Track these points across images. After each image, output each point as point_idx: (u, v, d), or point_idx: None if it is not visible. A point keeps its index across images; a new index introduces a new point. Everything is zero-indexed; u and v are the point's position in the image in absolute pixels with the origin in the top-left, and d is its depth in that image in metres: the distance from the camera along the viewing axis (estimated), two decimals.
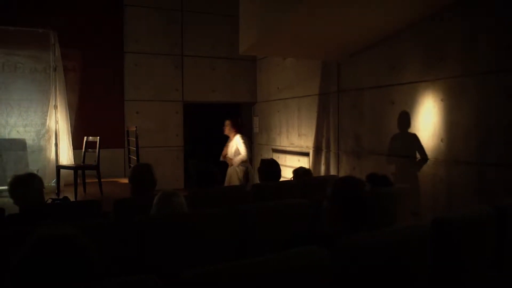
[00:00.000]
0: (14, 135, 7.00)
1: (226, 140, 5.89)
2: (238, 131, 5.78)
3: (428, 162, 4.69)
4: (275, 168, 4.29)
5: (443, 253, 1.93)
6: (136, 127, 7.00)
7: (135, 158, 6.83)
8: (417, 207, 4.67)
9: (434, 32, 4.61)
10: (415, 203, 4.66)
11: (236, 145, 5.64)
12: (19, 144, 6.93)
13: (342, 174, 6.15)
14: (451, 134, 4.42)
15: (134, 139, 6.90)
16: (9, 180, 3.06)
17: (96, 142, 6.45)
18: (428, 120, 4.69)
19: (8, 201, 3.16)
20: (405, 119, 4.98)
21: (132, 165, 6.20)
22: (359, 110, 5.84)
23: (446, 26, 4.47)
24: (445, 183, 4.49)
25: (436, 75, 4.58)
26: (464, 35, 4.27)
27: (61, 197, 4.01)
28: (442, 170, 4.52)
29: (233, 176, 5.59)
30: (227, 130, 5.82)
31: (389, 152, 5.26)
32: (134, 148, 6.88)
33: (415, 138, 4.83)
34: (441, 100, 4.52)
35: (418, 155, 4.80)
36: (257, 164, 5.97)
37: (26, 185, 2.95)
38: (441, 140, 4.52)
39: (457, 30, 4.34)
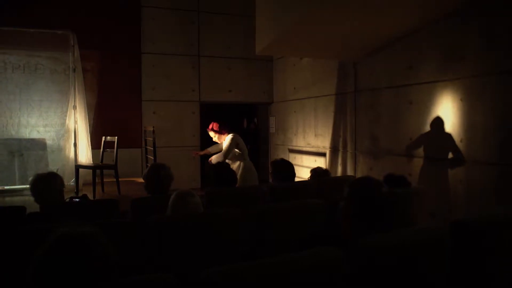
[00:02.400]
0: (34, 135, 7.15)
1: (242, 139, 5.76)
2: (228, 132, 5.49)
3: (447, 162, 4.62)
4: (288, 168, 4.23)
5: (462, 256, 1.90)
6: (153, 127, 7.06)
7: (152, 158, 6.90)
8: (435, 208, 4.61)
9: (453, 31, 4.54)
10: (433, 204, 4.60)
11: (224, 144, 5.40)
12: (40, 144, 7.07)
13: (359, 174, 6.11)
14: (470, 134, 4.35)
15: (151, 139, 6.96)
16: (30, 178, 3.13)
17: (114, 142, 6.53)
18: (446, 120, 4.63)
19: (28, 199, 3.23)
20: (426, 119, 4.92)
21: (149, 165, 6.25)
22: (376, 110, 5.79)
23: (466, 25, 4.40)
24: (464, 184, 4.42)
25: (455, 74, 4.51)
26: (485, 34, 4.19)
27: (80, 195, 4.09)
28: (461, 170, 4.46)
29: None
30: (218, 138, 5.53)
31: (407, 152, 5.20)
32: (151, 148, 6.95)
33: (449, 138, 4.68)
34: (460, 99, 4.45)
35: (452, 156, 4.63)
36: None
37: (48, 184, 3.02)
38: (460, 141, 4.46)
39: (477, 28, 4.27)
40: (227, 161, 5.25)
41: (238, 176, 5.13)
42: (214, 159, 5.32)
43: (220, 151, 5.49)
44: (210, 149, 5.73)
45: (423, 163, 4.97)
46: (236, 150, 5.38)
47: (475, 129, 4.29)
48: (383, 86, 5.64)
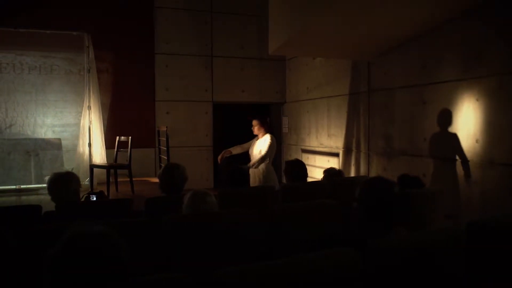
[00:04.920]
0: (50, 135, 7.25)
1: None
2: (268, 130, 5.48)
3: (462, 163, 4.56)
4: (301, 168, 4.22)
5: (479, 258, 1.87)
6: (166, 127, 7.10)
7: (166, 158, 6.93)
8: (451, 209, 4.55)
9: (469, 30, 4.47)
10: (448, 206, 4.54)
11: (263, 145, 5.35)
12: (55, 144, 7.17)
13: (372, 175, 6.06)
14: (486, 135, 4.29)
15: (165, 139, 7.00)
16: (48, 177, 3.18)
17: (128, 141, 6.58)
18: (462, 120, 4.56)
19: (44, 198, 3.27)
20: (440, 119, 4.86)
21: (162, 165, 6.28)
22: (390, 110, 5.74)
23: (482, 24, 4.33)
24: (480, 185, 4.36)
25: (471, 73, 4.45)
26: (501, 32, 4.12)
27: (96, 191, 4.15)
28: (477, 171, 4.39)
29: (255, 177, 5.33)
30: (256, 130, 5.50)
31: (422, 153, 5.15)
32: (165, 148, 6.99)
33: (454, 139, 4.65)
34: (476, 99, 4.39)
35: (457, 157, 4.62)
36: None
37: (65, 183, 3.06)
38: (476, 141, 4.39)
39: (494, 27, 4.20)
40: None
41: (260, 178, 5.23)
42: (253, 162, 5.30)
43: (242, 152, 5.49)
44: (232, 150, 5.58)
45: (437, 163, 4.91)
46: None
47: (491, 130, 4.23)
48: (397, 86, 5.59)
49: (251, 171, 5.36)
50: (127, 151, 6.57)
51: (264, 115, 5.67)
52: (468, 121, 4.48)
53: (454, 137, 4.63)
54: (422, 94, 5.14)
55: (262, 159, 5.28)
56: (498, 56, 4.16)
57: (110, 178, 6.36)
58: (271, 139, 5.35)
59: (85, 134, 7.07)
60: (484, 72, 4.29)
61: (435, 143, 4.94)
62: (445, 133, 4.78)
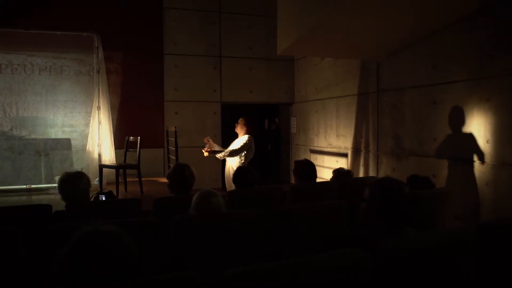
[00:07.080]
0: (60, 135, 7.32)
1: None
2: (248, 132, 5.48)
3: (473, 164, 4.52)
4: (310, 168, 4.22)
5: (490, 260, 1.85)
6: (175, 127, 7.12)
7: (174, 158, 6.95)
8: (461, 210, 4.51)
9: (481, 29, 4.43)
10: (459, 207, 4.50)
11: (239, 142, 5.38)
12: (65, 144, 7.23)
13: (381, 175, 6.02)
14: (498, 135, 4.24)
15: (174, 139, 7.02)
16: (58, 177, 3.21)
17: (137, 142, 6.60)
18: (472, 120, 4.52)
19: (54, 198, 3.30)
20: (453, 119, 4.81)
21: (171, 165, 6.29)
22: (399, 110, 5.71)
23: (494, 22, 4.29)
24: (491, 186, 4.31)
25: (482, 73, 4.41)
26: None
27: (105, 191, 4.18)
28: (487, 172, 4.35)
29: (228, 174, 5.34)
30: (239, 128, 5.53)
31: (432, 153, 5.11)
32: (174, 148, 7.00)
33: (470, 139, 4.59)
34: (487, 99, 4.35)
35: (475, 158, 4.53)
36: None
37: (75, 183, 3.09)
38: (487, 142, 4.35)
39: (506, 26, 4.15)
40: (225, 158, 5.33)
41: (229, 175, 5.15)
42: (220, 156, 5.36)
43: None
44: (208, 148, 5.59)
45: (448, 164, 4.87)
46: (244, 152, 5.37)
47: (502, 130, 4.19)
48: (407, 86, 5.55)
49: (226, 169, 5.48)
50: (136, 151, 6.59)
51: (252, 117, 5.64)
52: (478, 121, 4.44)
53: (469, 137, 4.58)
54: (432, 94, 5.09)
55: (233, 152, 5.30)
56: (509, 55, 4.11)
57: (119, 178, 6.38)
58: (249, 138, 5.38)
59: (94, 134, 7.12)
60: (496, 71, 4.25)
61: (448, 143, 4.89)
62: (459, 133, 4.74)
